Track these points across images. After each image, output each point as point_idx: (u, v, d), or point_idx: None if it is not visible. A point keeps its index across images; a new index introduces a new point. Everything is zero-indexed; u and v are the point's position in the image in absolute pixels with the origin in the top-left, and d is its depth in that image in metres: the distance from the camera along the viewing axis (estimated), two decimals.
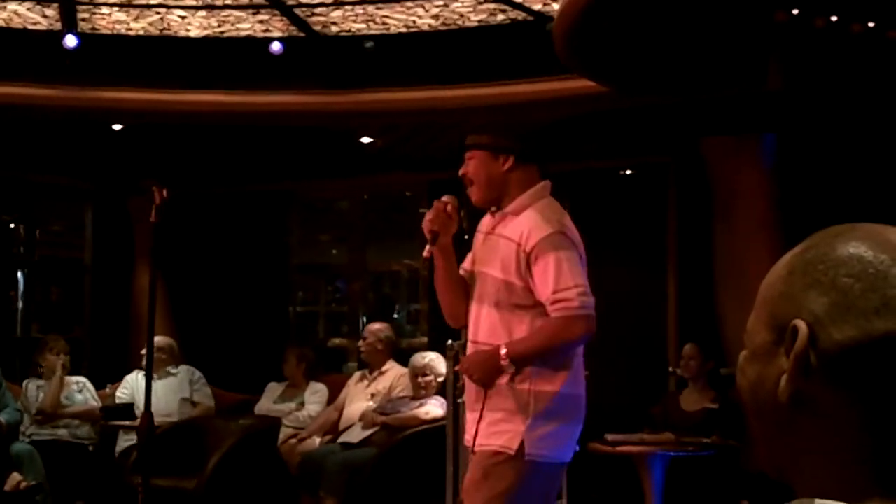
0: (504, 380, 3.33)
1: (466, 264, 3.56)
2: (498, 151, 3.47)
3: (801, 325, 0.91)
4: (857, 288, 0.90)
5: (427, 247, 3.47)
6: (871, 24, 4.90)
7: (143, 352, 7.22)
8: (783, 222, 6.47)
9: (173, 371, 7.36)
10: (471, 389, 3.45)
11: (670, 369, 7.17)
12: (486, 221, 3.56)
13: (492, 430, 3.34)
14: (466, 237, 3.71)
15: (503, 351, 3.31)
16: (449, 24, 6.58)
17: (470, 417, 3.46)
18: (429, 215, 3.46)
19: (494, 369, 3.34)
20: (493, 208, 3.52)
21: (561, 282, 3.28)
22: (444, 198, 3.50)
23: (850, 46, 5.06)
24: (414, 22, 6.57)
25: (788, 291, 0.94)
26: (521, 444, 3.29)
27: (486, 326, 3.41)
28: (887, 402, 0.89)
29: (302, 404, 7.33)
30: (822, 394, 0.91)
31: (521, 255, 3.35)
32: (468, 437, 3.48)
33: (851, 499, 0.88)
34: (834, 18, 4.85)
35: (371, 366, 7.05)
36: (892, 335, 0.88)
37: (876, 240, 0.93)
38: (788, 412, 0.93)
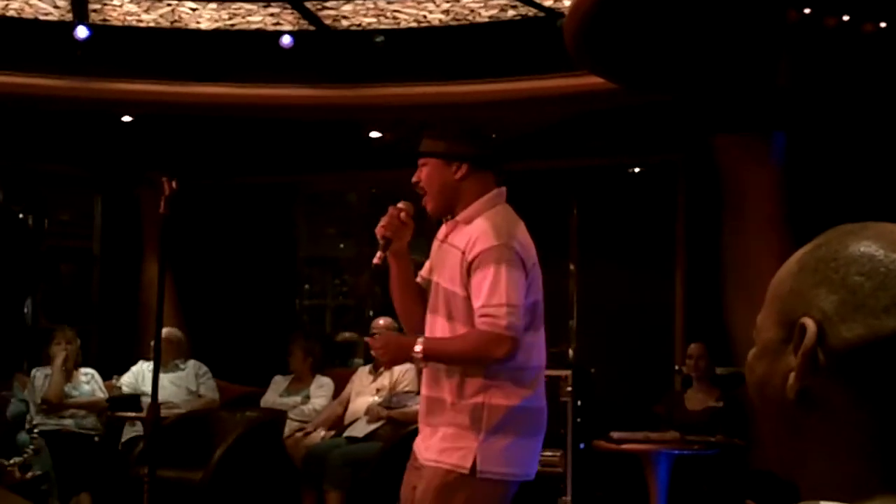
0: (456, 395, 3.24)
1: (424, 272, 3.47)
2: (451, 159, 3.33)
3: (810, 322, 0.91)
4: (868, 286, 0.90)
5: (378, 253, 3.36)
6: (882, 24, 4.89)
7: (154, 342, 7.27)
8: (792, 220, 6.45)
9: (182, 365, 7.40)
10: (425, 403, 3.36)
11: (676, 368, 7.17)
12: (442, 229, 3.46)
13: (444, 445, 3.24)
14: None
15: (419, 347, 3.22)
16: (459, 20, 6.57)
17: (422, 428, 3.37)
18: (382, 221, 3.37)
19: (404, 358, 3.32)
20: (448, 217, 3.41)
21: (494, 296, 3.16)
22: (400, 204, 3.41)
23: (861, 45, 5.05)
24: (424, 17, 6.56)
25: (798, 288, 0.94)
26: (474, 462, 3.19)
27: (438, 336, 3.32)
28: (894, 401, 0.89)
29: (307, 398, 7.34)
30: (829, 392, 0.91)
31: (464, 264, 3.25)
32: (420, 445, 3.37)
33: (858, 496, 0.88)
34: (845, 18, 4.84)
35: (377, 361, 7.05)
36: None
37: (887, 238, 0.93)
38: (796, 410, 0.92)
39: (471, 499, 3.23)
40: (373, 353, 3.57)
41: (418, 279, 3.48)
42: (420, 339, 3.25)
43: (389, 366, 3.48)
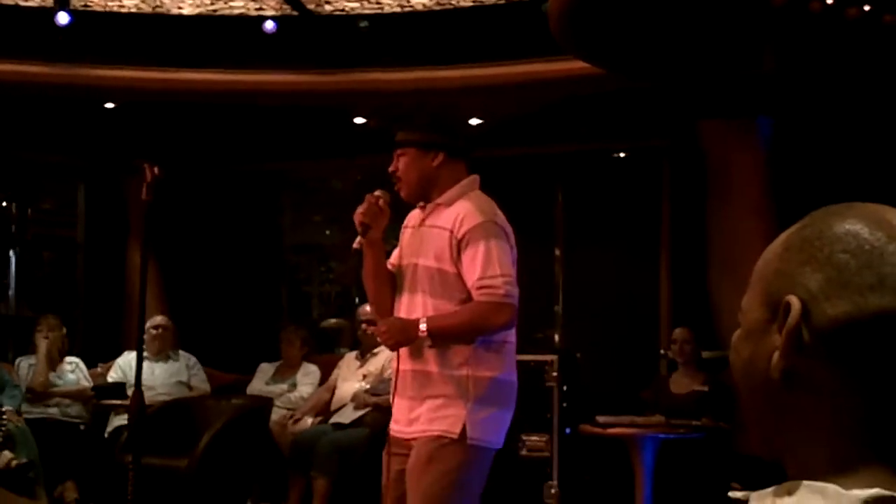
0: (441, 366, 3.35)
1: (394, 259, 3.57)
2: (428, 148, 3.49)
3: (794, 300, 0.91)
4: (853, 264, 0.90)
5: (357, 239, 3.50)
6: (866, 8, 4.88)
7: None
8: (778, 206, 6.47)
9: (174, 357, 7.38)
10: (406, 377, 3.44)
11: (661, 352, 7.18)
12: (413, 216, 3.58)
13: (433, 415, 3.35)
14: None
15: (423, 325, 3.33)
16: (443, 4, 6.55)
17: (403, 405, 3.44)
18: (360, 208, 3.48)
19: (412, 339, 3.37)
20: (422, 203, 3.54)
21: (489, 269, 3.31)
22: (377, 192, 3.53)
23: (846, 30, 5.05)
24: (408, 1, 6.54)
25: (783, 268, 0.94)
26: (464, 428, 3.31)
27: (418, 315, 3.40)
28: (879, 378, 0.89)
29: (294, 385, 7.33)
30: (814, 370, 0.90)
31: (453, 242, 3.37)
32: (399, 427, 3.45)
33: (843, 470, 0.88)
34: (830, 2, 4.83)
35: (364, 347, 7.04)
36: (885, 312, 0.88)
37: (872, 218, 0.93)
38: (781, 389, 0.92)
39: (462, 464, 3.33)
40: (378, 338, 3.65)
41: (389, 266, 3.57)
42: (423, 318, 3.35)
43: (395, 349, 3.51)
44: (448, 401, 3.34)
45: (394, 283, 3.54)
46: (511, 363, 3.45)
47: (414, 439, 3.40)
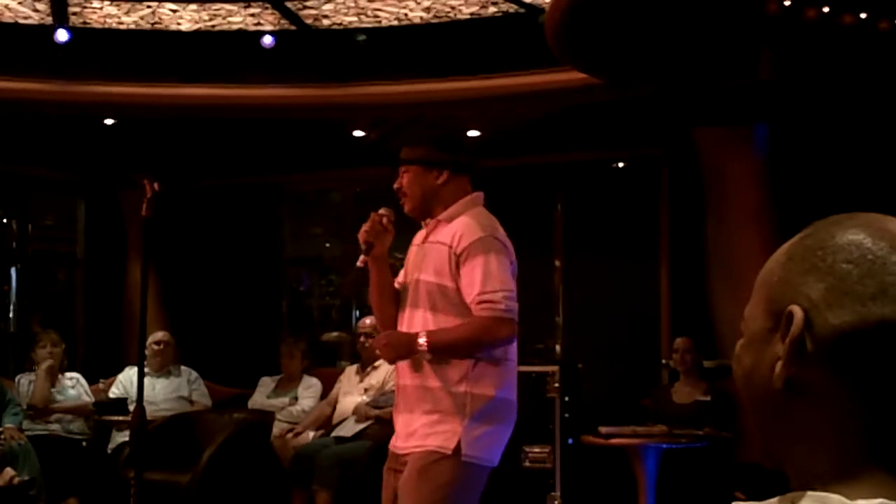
0: (440, 382, 3.35)
1: (400, 278, 3.59)
2: (432, 165, 3.50)
3: (797, 309, 0.91)
4: (855, 274, 0.91)
5: (361, 256, 3.51)
6: (862, 16, 4.90)
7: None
8: (776, 213, 6.48)
9: (175, 372, 7.38)
10: (406, 392, 3.44)
11: (663, 361, 7.18)
12: (418, 235, 3.60)
13: (427, 431, 3.35)
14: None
15: (422, 339, 3.33)
16: (440, 17, 6.57)
17: (402, 420, 3.45)
18: (364, 227, 3.50)
19: (411, 352, 3.37)
20: (426, 220, 3.56)
21: (488, 283, 3.31)
22: (381, 210, 3.54)
23: (842, 37, 5.06)
24: (405, 14, 6.56)
25: (786, 277, 0.94)
26: (458, 445, 3.30)
27: (419, 329, 3.40)
28: (882, 387, 0.89)
29: (295, 399, 7.33)
30: (817, 378, 0.91)
31: (452, 257, 3.38)
32: (398, 443, 3.46)
33: (846, 479, 0.89)
34: (825, 10, 4.85)
35: (365, 360, 7.05)
36: (887, 321, 0.89)
37: (875, 227, 0.93)
38: (783, 398, 0.93)
39: (454, 480, 3.32)
40: (377, 351, 3.67)
41: (396, 285, 3.59)
42: (423, 332, 3.36)
43: (394, 362, 3.53)
44: (444, 416, 3.33)
45: (398, 299, 3.55)
46: (511, 381, 3.43)
47: (409, 454, 3.39)
